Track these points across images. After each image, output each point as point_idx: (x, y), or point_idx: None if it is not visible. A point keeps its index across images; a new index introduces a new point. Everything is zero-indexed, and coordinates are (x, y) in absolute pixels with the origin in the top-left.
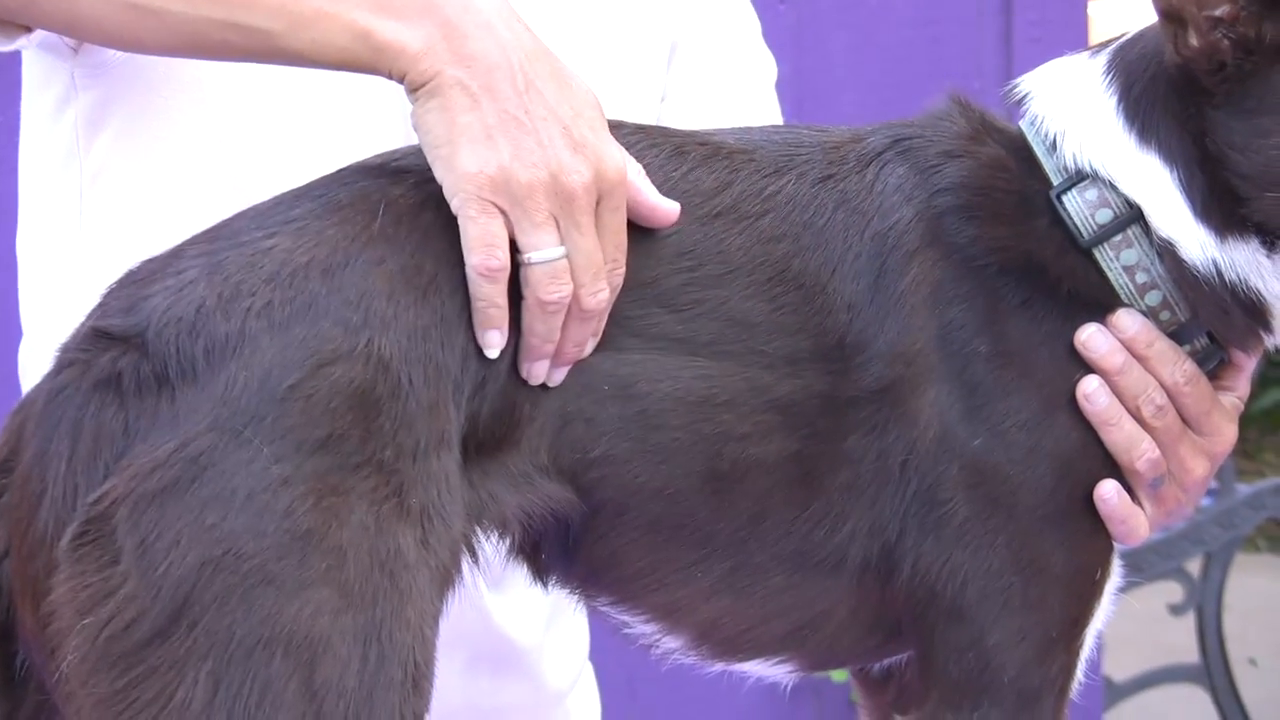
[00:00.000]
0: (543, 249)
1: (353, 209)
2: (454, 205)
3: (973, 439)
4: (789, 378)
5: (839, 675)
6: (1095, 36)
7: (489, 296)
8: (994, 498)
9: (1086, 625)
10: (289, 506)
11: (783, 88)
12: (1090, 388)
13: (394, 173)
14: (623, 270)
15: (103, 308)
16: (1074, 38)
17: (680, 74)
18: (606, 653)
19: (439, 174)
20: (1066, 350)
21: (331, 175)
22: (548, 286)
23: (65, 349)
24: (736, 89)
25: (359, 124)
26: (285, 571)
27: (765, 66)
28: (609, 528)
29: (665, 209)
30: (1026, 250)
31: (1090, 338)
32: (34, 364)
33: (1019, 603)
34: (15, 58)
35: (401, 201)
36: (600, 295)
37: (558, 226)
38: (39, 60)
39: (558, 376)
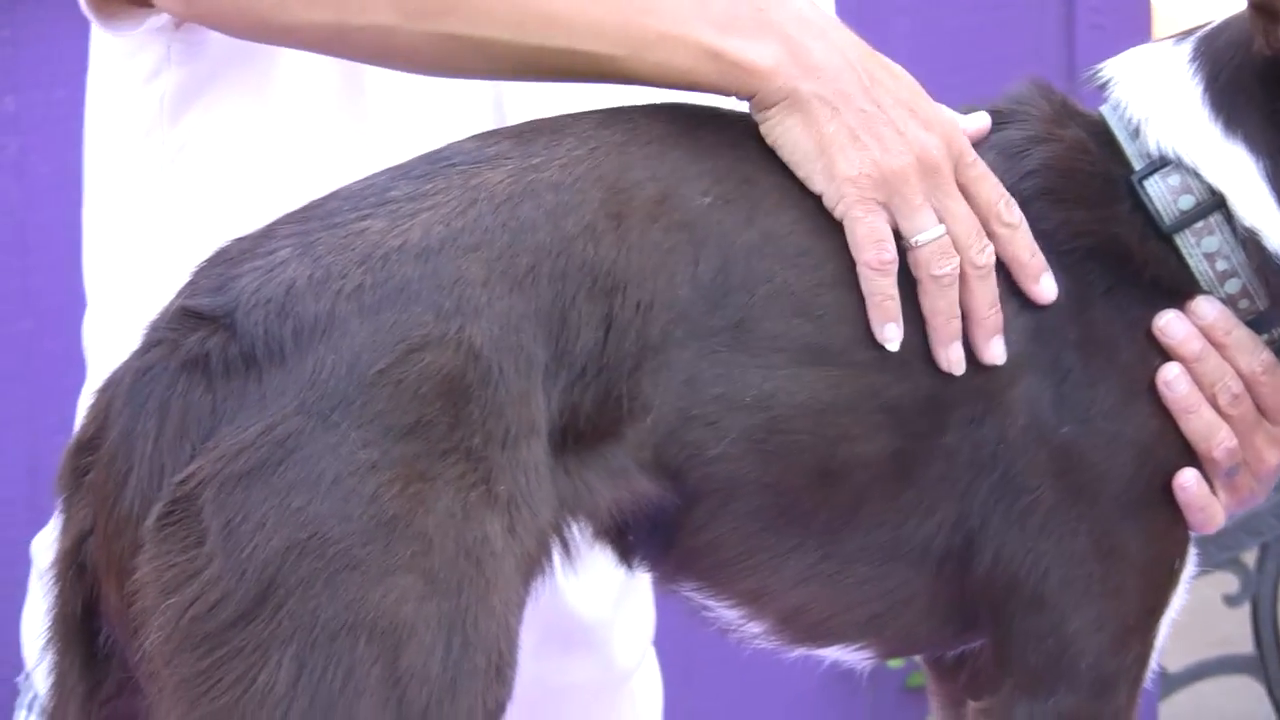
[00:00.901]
0: (927, 229)
1: (449, 193)
2: (839, 210)
3: (1061, 426)
4: (900, 380)
5: (894, 662)
6: (1160, 25)
7: (883, 290)
8: (1079, 485)
9: (1162, 614)
10: (375, 492)
11: None
12: (1170, 374)
13: (493, 159)
14: (1003, 216)
15: (192, 286)
16: (1137, 26)
17: None
18: (664, 636)
19: (818, 185)
20: (1148, 337)
21: (428, 156)
22: (938, 262)
23: (153, 327)
24: None
25: (452, 105)
26: (370, 557)
27: None
28: (709, 518)
29: None
30: (1111, 235)
31: (1168, 324)
32: (100, 336)
33: (1099, 590)
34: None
35: (500, 188)
36: (987, 250)
37: (930, 205)
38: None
39: (998, 349)
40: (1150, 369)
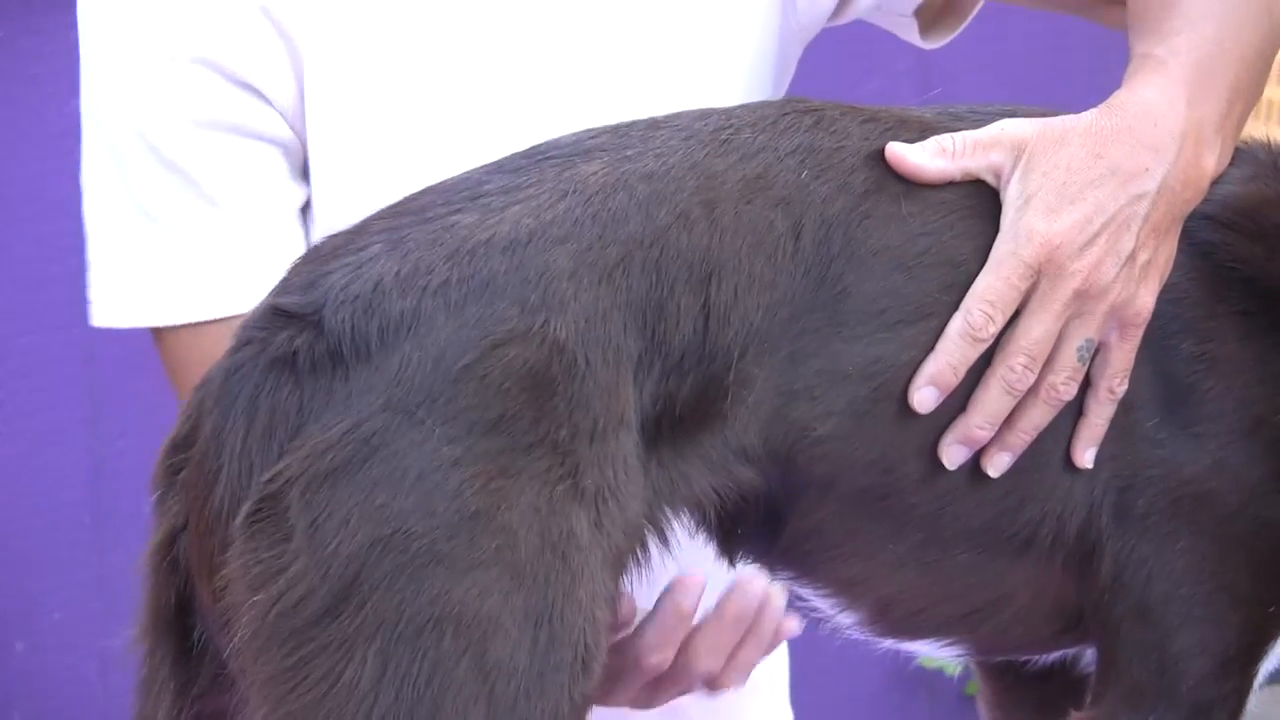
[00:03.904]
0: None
1: (542, 186)
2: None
3: (1159, 432)
4: None
5: (952, 669)
6: None
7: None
8: (1177, 499)
9: (1264, 651)
10: (459, 487)
11: (910, 66)
12: None
13: (588, 151)
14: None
15: (284, 284)
16: None
17: None
18: None
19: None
20: (1276, 378)
21: (522, 152)
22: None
23: (244, 326)
24: None
25: (547, 100)
26: (455, 551)
27: None
28: (813, 504)
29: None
30: (1265, 270)
31: None
32: None
33: (1199, 614)
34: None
35: (593, 180)
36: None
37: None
38: None
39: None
40: (1274, 409)
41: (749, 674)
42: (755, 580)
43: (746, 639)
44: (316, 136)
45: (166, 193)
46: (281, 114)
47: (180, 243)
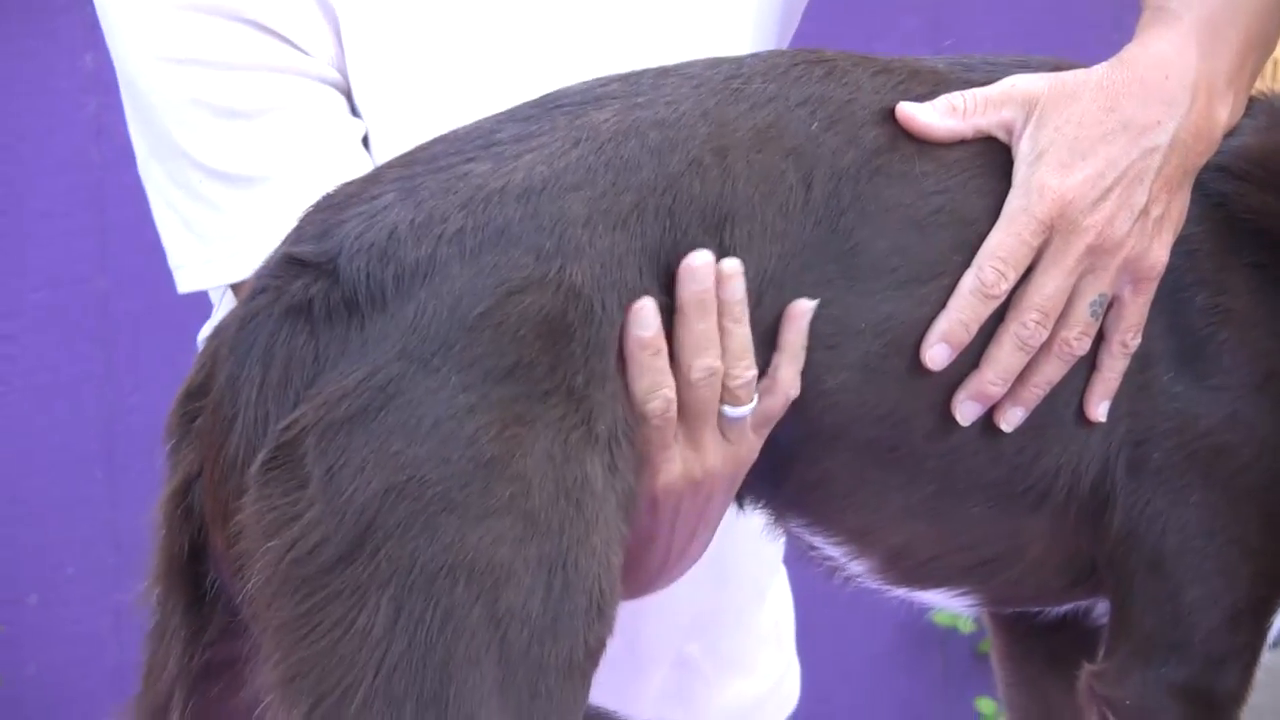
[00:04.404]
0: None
1: (554, 134)
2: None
3: (1175, 385)
4: None
5: (965, 626)
6: None
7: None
8: (1190, 451)
9: (1277, 607)
10: (474, 434)
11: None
12: None
13: (599, 99)
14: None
15: (297, 233)
16: None
17: None
18: None
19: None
20: None
21: (533, 101)
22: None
23: (259, 275)
24: None
25: (563, 45)
26: (469, 499)
27: None
28: (823, 452)
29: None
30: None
31: None
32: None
33: (1212, 567)
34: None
35: (604, 127)
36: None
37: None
38: None
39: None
40: None
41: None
42: (695, 256)
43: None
44: (360, 87)
45: (229, 142)
46: (324, 62)
47: (254, 189)
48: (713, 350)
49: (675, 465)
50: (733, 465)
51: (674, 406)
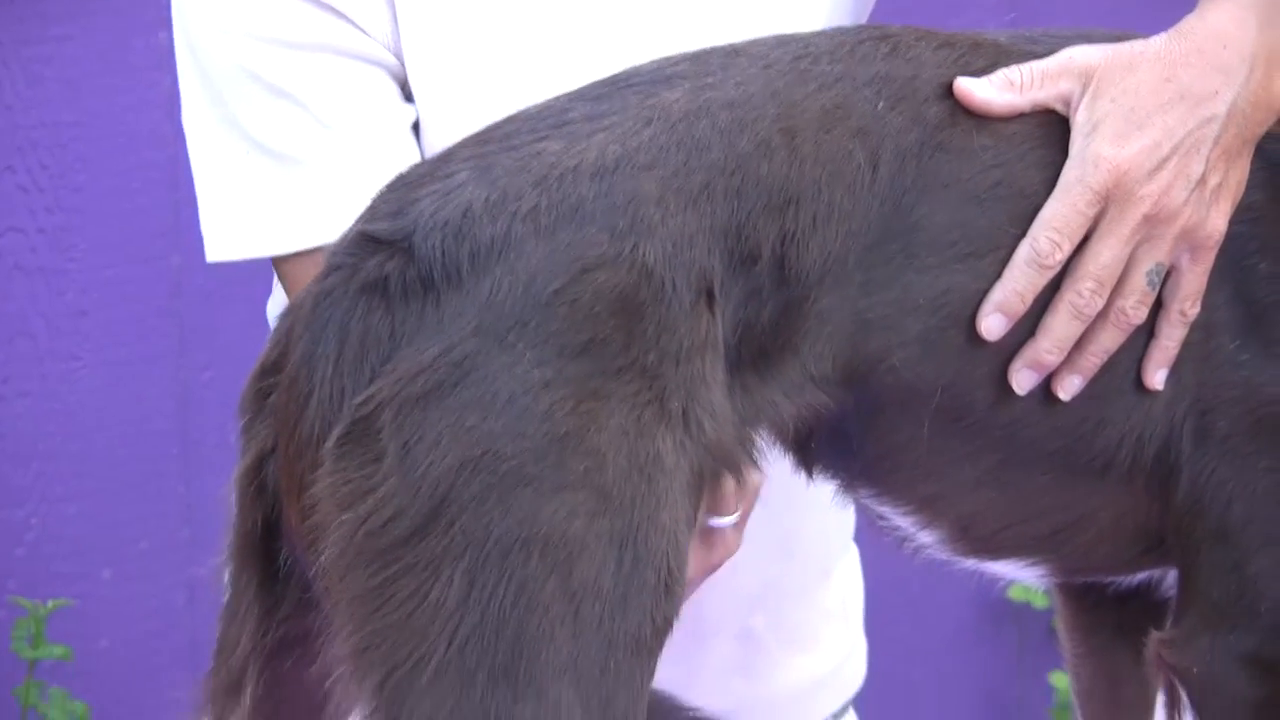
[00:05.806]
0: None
1: (625, 113)
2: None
3: (1241, 353)
4: None
5: (1041, 601)
6: None
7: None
8: (1257, 419)
9: None
10: (549, 409)
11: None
12: None
13: (669, 79)
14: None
15: (371, 211)
16: None
17: None
18: None
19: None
20: None
21: (603, 80)
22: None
23: (333, 253)
24: None
25: (634, 22)
26: (543, 473)
27: None
28: (889, 425)
29: None
30: None
31: None
32: None
33: (1277, 535)
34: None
35: (675, 107)
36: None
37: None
38: None
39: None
40: None
41: None
42: None
43: None
44: (415, 68)
45: (277, 120)
46: (380, 43)
47: (295, 169)
48: None
49: None
50: (703, 573)
51: None
